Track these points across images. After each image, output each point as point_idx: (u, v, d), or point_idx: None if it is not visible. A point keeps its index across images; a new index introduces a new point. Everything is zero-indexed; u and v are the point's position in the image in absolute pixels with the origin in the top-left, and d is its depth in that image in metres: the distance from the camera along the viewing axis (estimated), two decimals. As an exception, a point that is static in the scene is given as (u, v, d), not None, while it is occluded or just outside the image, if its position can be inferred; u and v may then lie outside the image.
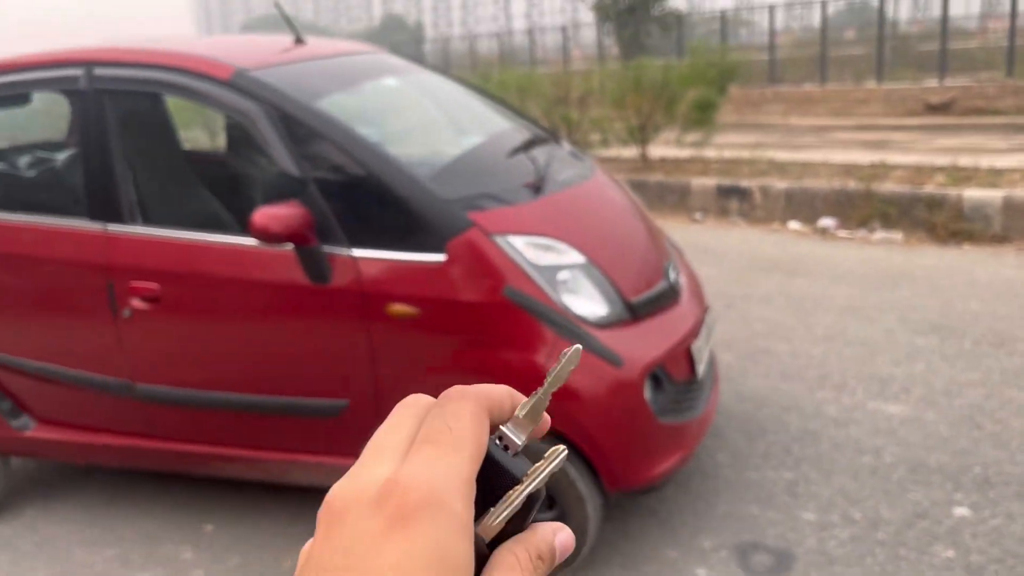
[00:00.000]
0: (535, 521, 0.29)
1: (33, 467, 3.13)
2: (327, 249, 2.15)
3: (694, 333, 2.44)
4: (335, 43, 3.29)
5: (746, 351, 3.85)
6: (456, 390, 0.30)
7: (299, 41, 2.76)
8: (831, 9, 14.19)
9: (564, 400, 2.08)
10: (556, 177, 2.59)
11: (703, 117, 7.10)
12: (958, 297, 4.39)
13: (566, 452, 0.28)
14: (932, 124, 10.31)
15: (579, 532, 2.20)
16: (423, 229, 2.14)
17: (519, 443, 0.30)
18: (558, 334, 2.09)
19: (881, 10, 12.39)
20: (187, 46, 2.61)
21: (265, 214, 2.03)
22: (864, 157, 7.06)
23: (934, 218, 5.26)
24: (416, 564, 0.23)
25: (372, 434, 0.30)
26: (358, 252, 2.15)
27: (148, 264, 2.37)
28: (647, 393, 2.20)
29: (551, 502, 2.24)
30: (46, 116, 2.89)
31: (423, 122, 3.06)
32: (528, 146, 2.80)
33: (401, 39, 32.96)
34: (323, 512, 0.27)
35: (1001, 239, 5.11)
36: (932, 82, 11.60)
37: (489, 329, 2.15)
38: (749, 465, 2.91)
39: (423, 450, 0.26)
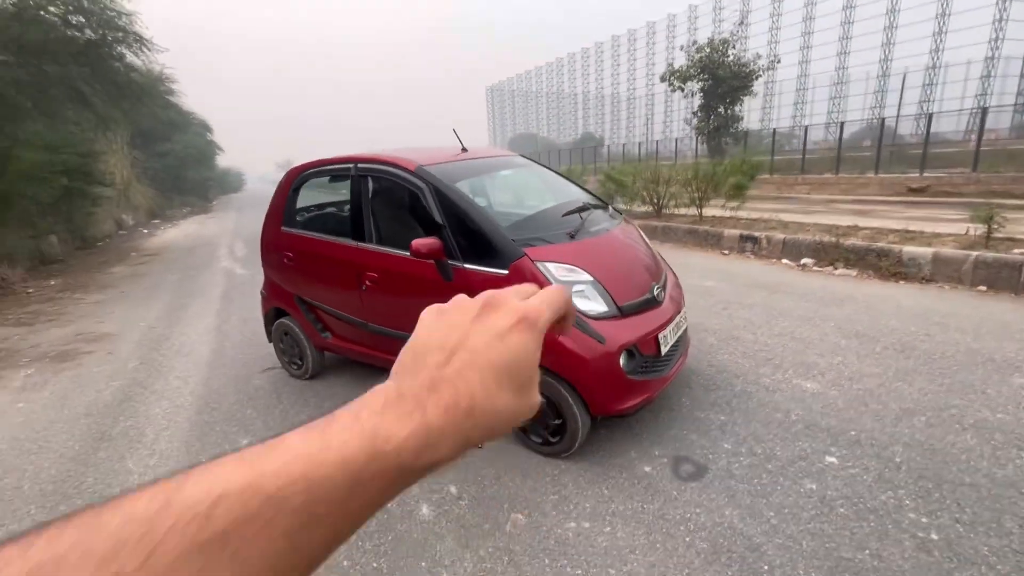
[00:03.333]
0: None
1: (331, 358, 4.81)
2: (451, 263, 3.02)
3: (663, 327, 3.06)
4: (487, 149, 4.19)
5: (724, 337, 4.79)
6: (555, 288, 0.46)
7: (464, 149, 3.87)
8: (856, 127, 24.23)
9: (568, 359, 2.72)
10: (589, 228, 3.25)
11: (738, 193, 10.27)
12: (882, 315, 5.20)
13: None
14: (910, 201, 13.88)
15: (572, 436, 2.91)
16: (499, 255, 2.89)
17: None
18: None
19: (881, 127, 19.73)
20: (400, 153, 3.61)
21: (419, 243, 2.98)
22: (845, 221, 9.21)
23: (880, 263, 6.58)
24: (507, 343, 0.39)
25: None
26: (467, 265, 3.00)
27: (374, 263, 3.47)
28: (621, 360, 2.80)
29: (558, 415, 2.90)
30: (335, 189, 4.36)
31: (517, 196, 3.92)
32: (580, 209, 3.45)
33: (590, 145, 52.28)
34: (484, 296, 0.42)
35: (928, 280, 6.36)
36: (914, 173, 16.49)
37: None
38: (700, 408, 3.54)
39: (533, 301, 0.43)
